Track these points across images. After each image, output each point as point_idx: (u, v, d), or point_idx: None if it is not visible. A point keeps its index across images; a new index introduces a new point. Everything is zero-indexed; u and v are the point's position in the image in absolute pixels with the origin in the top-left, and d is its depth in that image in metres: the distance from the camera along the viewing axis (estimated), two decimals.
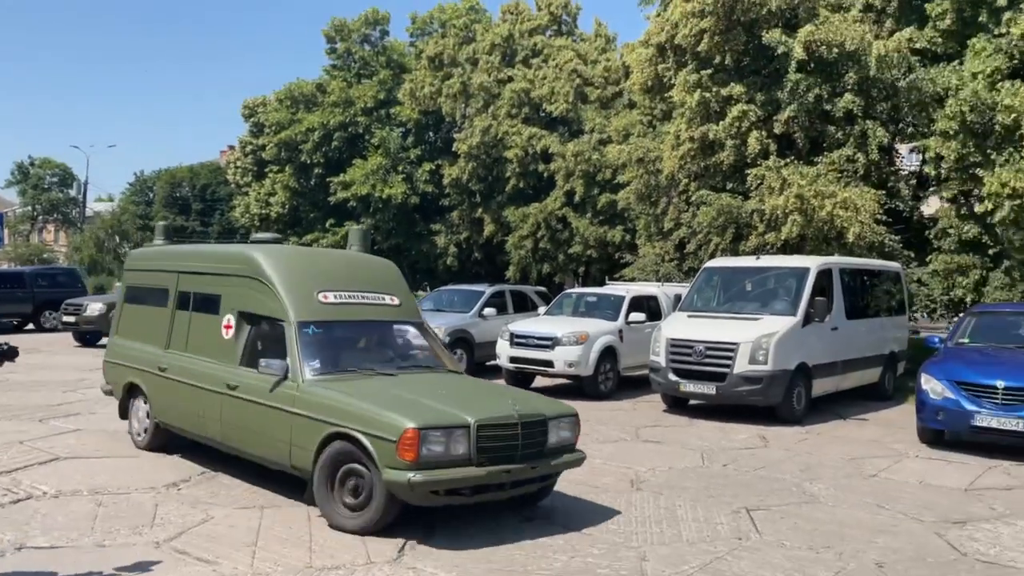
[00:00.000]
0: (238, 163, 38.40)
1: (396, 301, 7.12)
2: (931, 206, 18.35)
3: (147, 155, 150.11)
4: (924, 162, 15.67)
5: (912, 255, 16.01)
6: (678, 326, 11.52)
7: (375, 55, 35.68)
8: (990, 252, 14.95)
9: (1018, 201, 13.19)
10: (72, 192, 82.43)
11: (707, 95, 17.88)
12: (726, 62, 17.85)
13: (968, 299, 14.83)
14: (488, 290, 15.67)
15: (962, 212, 15.05)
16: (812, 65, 16.78)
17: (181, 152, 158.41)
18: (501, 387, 8.09)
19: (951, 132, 14.95)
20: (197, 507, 5.89)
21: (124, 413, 8.01)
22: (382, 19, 35.79)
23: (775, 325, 10.86)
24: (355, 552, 5.04)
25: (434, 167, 32.19)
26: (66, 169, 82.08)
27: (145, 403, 7.59)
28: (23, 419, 9.14)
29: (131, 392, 7.80)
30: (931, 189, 16.21)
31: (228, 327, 6.71)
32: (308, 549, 5.06)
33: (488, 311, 14.88)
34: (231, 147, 57.77)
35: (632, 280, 19.36)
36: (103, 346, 18.16)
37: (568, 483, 7.14)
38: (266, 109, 36.29)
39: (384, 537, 5.31)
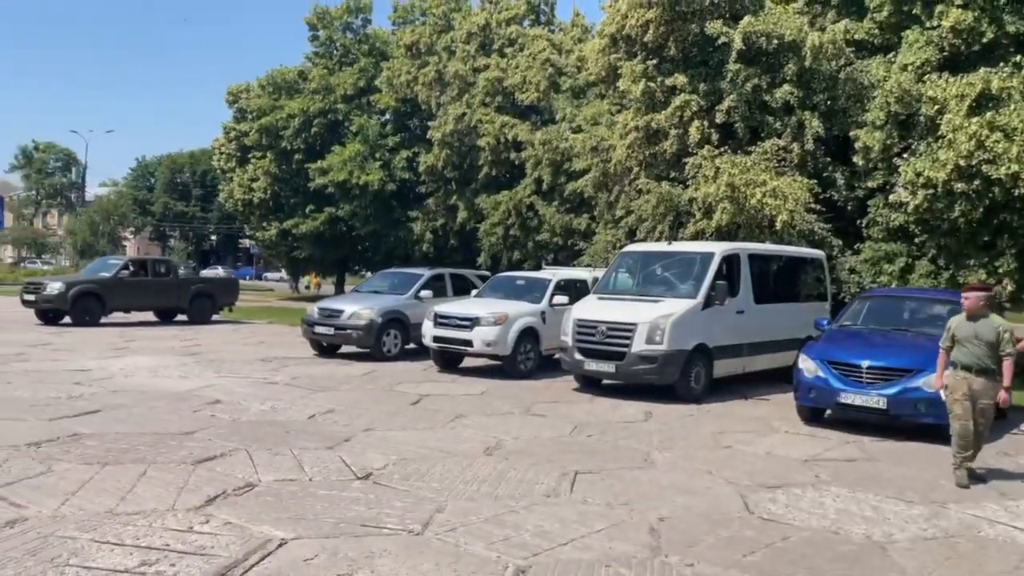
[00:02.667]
0: (222, 149, 38.86)
1: None
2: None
3: (149, 141, 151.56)
4: (854, 152, 15.91)
5: (842, 243, 16.33)
6: (586, 308, 11.90)
7: (356, 43, 36.04)
8: (916, 241, 15.23)
9: (931, 191, 13.48)
10: (73, 176, 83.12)
11: (652, 85, 18.22)
12: (672, 52, 18.22)
13: (894, 286, 15.12)
14: (427, 273, 16.06)
15: (888, 201, 15.31)
16: (752, 56, 17.12)
17: (183, 138, 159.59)
18: None
19: (878, 123, 15.26)
20: (44, 463, 6.32)
21: None
22: (364, 7, 36.13)
23: (674, 307, 11.22)
24: (163, 501, 5.46)
25: (411, 154, 32.55)
26: (69, 154, 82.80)
27: None
28: None
29: None
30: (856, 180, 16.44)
31: None
32: (121, 498, 5.48)
33: (425, 293, 15.26)
34: None
35: (588, 266, 19.74)
36: (66, 324, 18.83)
37: (426, 448, 7.59)
38: (249, 95, 36.71)
39: (199, 489, 5.76)
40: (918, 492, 6.74)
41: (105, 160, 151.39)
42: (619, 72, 19.47)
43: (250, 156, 36.85)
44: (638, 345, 10.91)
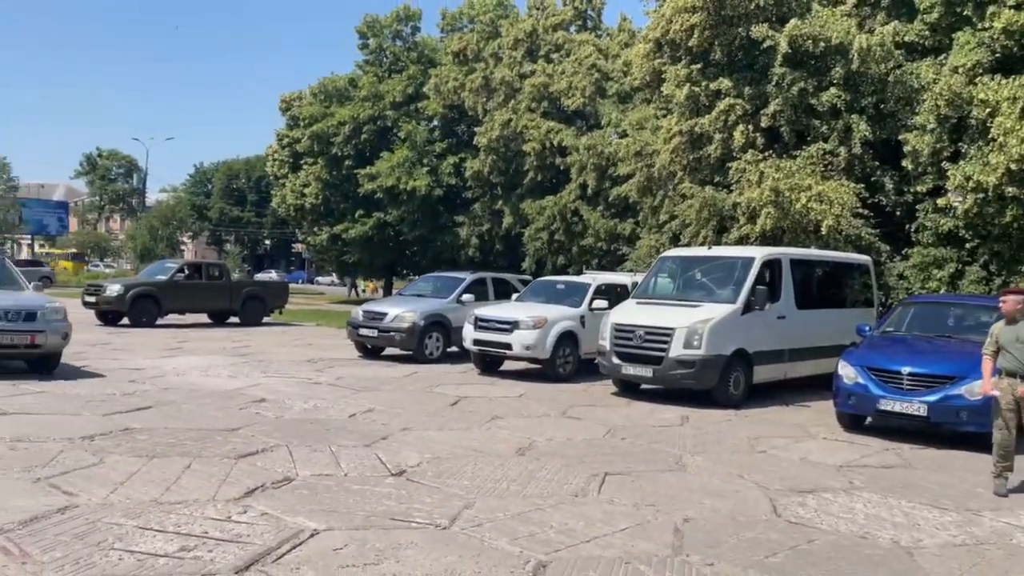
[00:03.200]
0: (275, 155, 39.78)
1: None
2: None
3: (206, 148, 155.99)
4: (904, 156, 15.66)
5: (890, 248, 16.07)
6: (624, 312, 11.95)
7: (405, 50, 36.57)
8: (967, 246, 14.91)
9: (981, 195, 13.21)
10: (135, 183, 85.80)
11: (696, 89, 18.19)
12: (717, 57, 18.16)
13: (943, 292, 14.83)
14: (469, 277, 16.29)
15: (936, 206, 15.02)
16: (798, 59, 16.97)
17: (240, 145, 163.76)
18: None
19: (927, 126, 15.00)
20: (97, 455, 6.64)
21: None
22: (413, 15, 36.65)
23: (712, 312, 11.21)
24: (204, 492, 5.71)
25: (458, 160, 32.90)
26: (131, 160, 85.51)
27: None
28: None
29: None
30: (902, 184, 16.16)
31: None
32: (166, 488, 5.75)
33: (467, 297, 15.46)
34: None
35: (631, 271, 19.73)
36: (124, 325, 19.52)
37: (460, 447, 7.76)
38: (301, 103, 37.53)
39: (239, 482, 6.01)
40: (953, 500, 6.67)
41: (165, 166, 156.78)
42: (663, 77, 19.47)
43: (302, 162, 37.66)
44: (675, 350, 10.93)
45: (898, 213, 16.53)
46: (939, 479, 7.42)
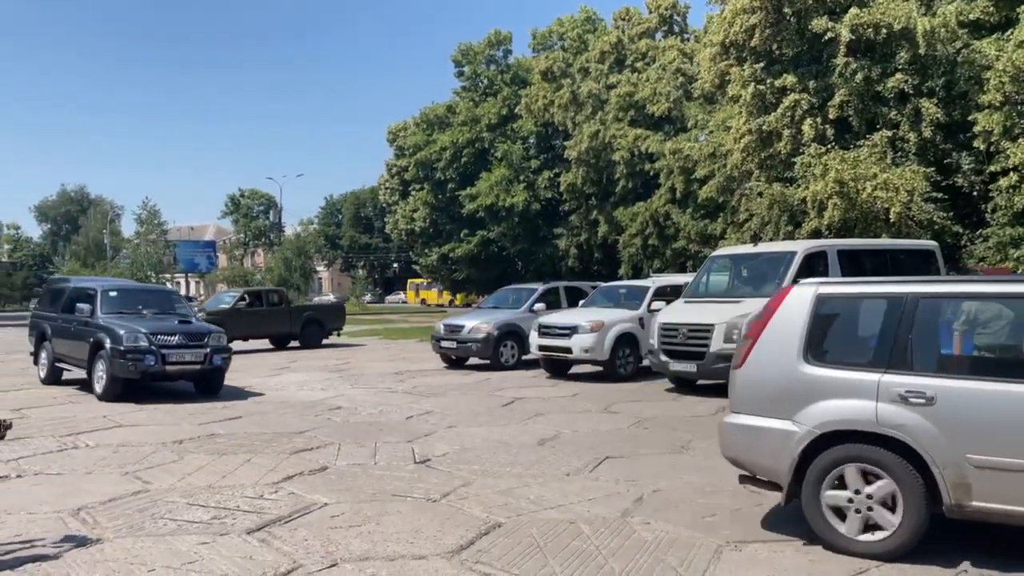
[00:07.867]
0: (386, 184, 42.21)
1: None
2: None
3: (333, 181, 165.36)
4: (975, 136, 15.36)
5: (967, 231, 15.75)
6: (671, 312, 12.55)
7: (499, 73, 38.08)
8: None
9: None
10: (272, 218, 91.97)
11: (761, 88, 18.48)
12: (780, 53, 18.39)
13: (1019, 271, 14.44)
14: (540, 288, 17.21)
15: (1012, 184, 14.66)
16: (862, 48, 16.97)
17: (362, 175, 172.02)
18: None
19: (996, 104, 14.72)
20: (180, 454, 8.04)
21: None
22: (504, 39, 38.14)
23: (752, 307, 11.58)
24: (250, 479, 6.93)
25: (552, 175, 34.00)
26: (270, 198, 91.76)
27: None
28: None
29: None
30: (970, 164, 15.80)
31: None
32: (222, 477, 7.02)
33: (539, 306, 16.39)
34: None
35: None
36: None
37: (490, 440, 8.72)
38: (406, 133, 39.76)
39: (283, 471, 7.23)
40: None
41: (298, 201, 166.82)
42: (728, 79, 19.82)
43: (410, 189, 39.85)
44: (716, 344, 11.44)
45: (974, 194, 16.18)
46: None
